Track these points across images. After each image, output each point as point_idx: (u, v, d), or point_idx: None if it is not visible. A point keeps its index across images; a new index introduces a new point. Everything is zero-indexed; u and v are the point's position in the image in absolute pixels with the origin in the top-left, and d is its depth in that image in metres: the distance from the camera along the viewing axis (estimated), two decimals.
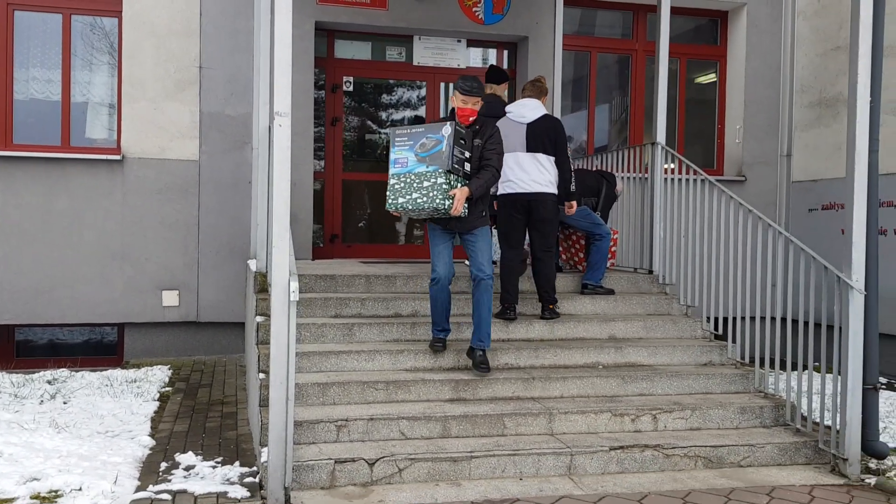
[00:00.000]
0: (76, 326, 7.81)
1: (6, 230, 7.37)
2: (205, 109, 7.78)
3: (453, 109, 5.99)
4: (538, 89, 6.28)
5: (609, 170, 7.49)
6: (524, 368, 5.60)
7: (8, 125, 7.54)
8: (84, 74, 7.81)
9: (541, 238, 6.07)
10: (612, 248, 7.10)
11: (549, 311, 6.10)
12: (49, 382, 6.55)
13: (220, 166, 7.82)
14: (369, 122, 8.78)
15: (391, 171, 5.11)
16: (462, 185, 5.04)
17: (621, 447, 4.85)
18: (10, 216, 7.37)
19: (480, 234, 5.29)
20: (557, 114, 8.52)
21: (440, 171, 4.93)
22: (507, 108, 6.20)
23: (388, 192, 5.10)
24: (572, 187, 6.26)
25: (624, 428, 5.14)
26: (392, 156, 5.12)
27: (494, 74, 6.94)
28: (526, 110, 6.08)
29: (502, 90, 6.92)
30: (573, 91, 9.29)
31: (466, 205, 5.07)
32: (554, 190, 6.04)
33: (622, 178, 7.38)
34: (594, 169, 7.66)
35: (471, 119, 5.22)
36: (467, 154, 5.13)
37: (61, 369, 6.96)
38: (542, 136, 5.97)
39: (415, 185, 4.98)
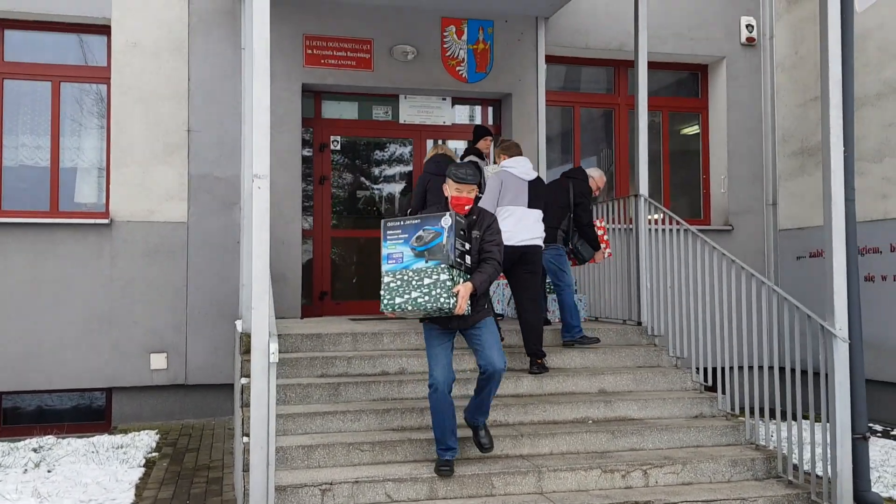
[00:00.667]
0: (64, 392, 7.74)
1: None
2: (193, 172, 7.86)
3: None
4: (521, 149, 6.51)
5: (596, 223, 7.34)
6: (513, 425, 5.55)
7: None
8: (73, 140, 7.91)
9: (529, 288, 6.11)
10: (605, 237, 7.20)
11: (537, 365, 6.07)
12: (34, 450, 6.46)
13: (208, 227, 7.86)
14: (357, 180, 8.87)
15: (384, 267, 4.62)
16: (464, 281, 4.62)
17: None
18: None
19: (485, 326, 4.86)
20: (543, 168, 8.63)
21: (443, 266, 4.49)
22: (508, 164, 6.29)
23: (382, 292, 4.60)
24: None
25: (614, 484, 5.07)
26: (384, 251, 4.65)
27: (476, 132, 7.39)
28: (527, 168, 6.28)
29: (486, 146, 7.26)
30: (561, 145, 9.41)
31: (469, 302, 4.64)
32: (542, 243, 6.21)
33: (596, 171, 7.28)
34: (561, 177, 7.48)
35: (466, 208, 4.85)
36: (467, 246, 4.71)
37: (48, 436, 6.88)
38: (538, 195, 6.24)
39: (413, 282, 4.51)
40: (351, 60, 8.24)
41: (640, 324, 6.90)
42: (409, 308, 4.53)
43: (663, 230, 6.73)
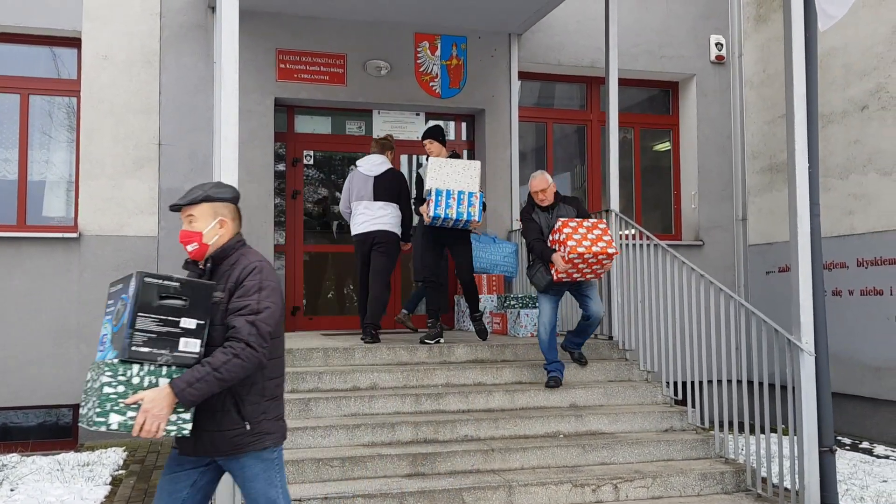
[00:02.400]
0: (30, 409, 7.60)
1: None
2: (164, 185, 7.79)
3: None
4: (382, 145, 7.22)
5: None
6: (484, 440, 5.54)
7: None
8: (42, 153, 7.82)
9: (376, 266, 6.87)
10: (572, 237, 5.91)
11: (370, 335, 6.64)
12: None
13: (179, 242, 7.76)
14: (330, 195, 8.84)
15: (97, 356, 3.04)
16: (161, 383, 2.83)
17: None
18: None
19: (249, 467, 3.03)
20: (515, 183, 8.68)
21: (111, 361, 2.83)
22: (358, 163, 7.13)
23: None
24: (411, 231, 7.24)
25: (585, 499, 5.08)
26: (102, 330, 3.05)
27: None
28: (373, 165, 7.05)
29: (428, 150, 6.91)
30: (534, 160, 9.46)
31: (184, 420, 2.86)
32: (396, 230, 6.98)
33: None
34: None
35: (190, 249, 3.14)
36: (189, 323, 2.89)
37: (11, 454, 6.75)
38: (388, 187, 6.97)
39: (87, 386, 2.91)
40: (324, 75, 8.24)
41: (611, 338, 6.93)
42: (87, 425, 2.80)
43: (634, 245, 6.78)
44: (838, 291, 7.86)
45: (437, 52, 8.62)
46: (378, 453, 5.10)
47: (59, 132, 7.90)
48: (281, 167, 8.47)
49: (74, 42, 7.81)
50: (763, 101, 9.18)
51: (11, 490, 5.69)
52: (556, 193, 6.29)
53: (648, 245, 6.61)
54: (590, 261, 5.87)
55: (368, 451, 5.14)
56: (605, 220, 6.13)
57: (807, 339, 5.03)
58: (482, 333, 6.88)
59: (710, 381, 6.00)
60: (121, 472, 6.33)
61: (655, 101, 9.92)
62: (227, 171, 4.27)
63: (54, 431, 7.74)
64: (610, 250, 5.87)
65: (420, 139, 7.11)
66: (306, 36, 8.21)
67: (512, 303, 7.47)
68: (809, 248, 5.06)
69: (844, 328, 7.67)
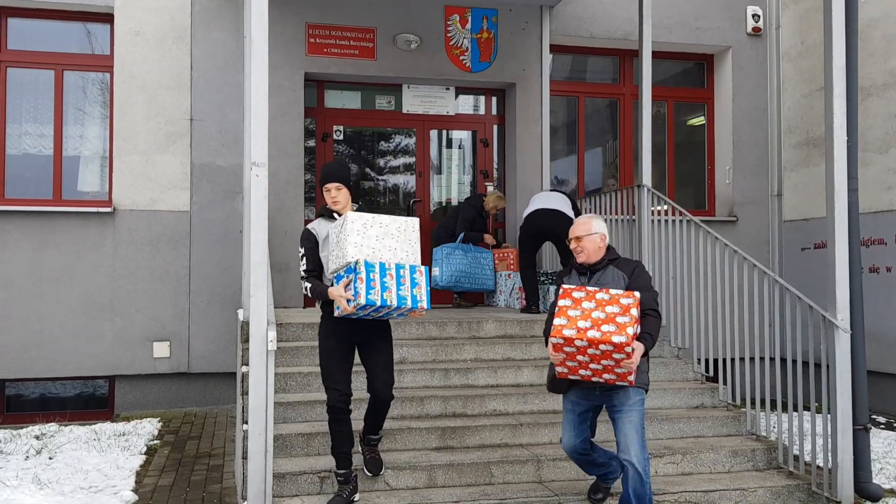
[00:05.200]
0: (67, 380, 7.77)
1: None
2: (196, 161, 7.85)
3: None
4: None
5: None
6: (512, 414, 5.55)
7: (0, 180, 7.62)
8: (76, 129, 7.91)
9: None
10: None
11: None
12: (37, 438, 6.49)
13: (211, 216, 7.86)
14: (360, 171, 8.84)
15: None
16: None
17: (610, 494, 4.77)
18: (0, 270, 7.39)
19: None
20: (546, 159, 8.63)
21: None
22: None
23: None
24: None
25: None
26: None
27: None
28: (548, 198, 7.48)
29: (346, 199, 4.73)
30: (565, 135, 9.37)
31: None
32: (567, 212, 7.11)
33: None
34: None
35: None
36: None
37: (50, 424, 6.90)
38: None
39: None
40: (354, 49, 8.21)
41: None
42: None
43: (667, 221, 6.70)
44: (875, 268, 7.71)
45: (468, 26, 8.54)
46: (407, 426, 5.14)
47: (92, 108, 7.98)
48: (311, 143, 8.48)
49: (107, 18, 7.86)
50: (800, 74, 8.98)
51: (50, 458, 5.83)
52: (609, 250, 4.43)
53: (681, 221, 6.52)
54: (589, 352, 4.01)
55: (398, 425, 5.17)
56: (636, 295, 4.09)
57: (842, 316, 4.95)
58: (372, 464, 4.70)
59: (741, 359, 5.94)
60: (155, 441, 6.46)
61: (690, 74, 9.74)
62: (257, 147, 4.27)
63: (90, 402, 7.91)
64: (616, 339, 3.92)
65: (321, 182, 4.77)
66: (335, 10, 8.17)
67: (542, 278, 7.43)
68: (847, 224, 4.96)
69: (881, 305, 7.53)
